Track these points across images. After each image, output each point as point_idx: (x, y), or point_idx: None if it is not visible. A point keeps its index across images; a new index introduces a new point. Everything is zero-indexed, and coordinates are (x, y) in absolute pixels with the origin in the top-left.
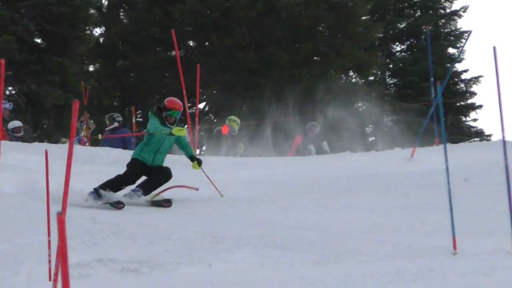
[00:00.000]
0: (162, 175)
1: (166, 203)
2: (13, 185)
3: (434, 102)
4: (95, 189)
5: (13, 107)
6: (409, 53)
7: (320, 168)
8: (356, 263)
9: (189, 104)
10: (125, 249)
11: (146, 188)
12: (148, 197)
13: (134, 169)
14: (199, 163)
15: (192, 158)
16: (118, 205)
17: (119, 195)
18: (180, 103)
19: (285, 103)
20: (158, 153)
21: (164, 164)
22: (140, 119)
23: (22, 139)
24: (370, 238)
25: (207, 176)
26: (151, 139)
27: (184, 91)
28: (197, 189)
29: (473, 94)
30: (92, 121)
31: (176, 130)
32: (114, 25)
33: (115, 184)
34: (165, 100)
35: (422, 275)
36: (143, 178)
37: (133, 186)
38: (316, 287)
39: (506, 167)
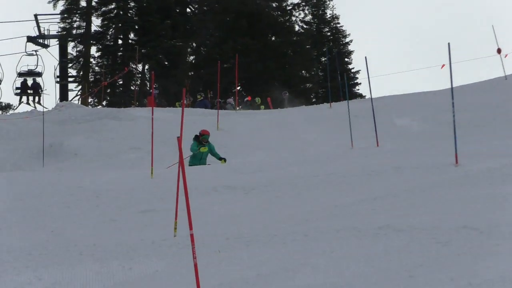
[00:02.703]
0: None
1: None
2: None
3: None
4: None
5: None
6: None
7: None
8: None
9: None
10: None
11: None
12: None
13: None
14: (225, 160)
15: (220, 159)
16: None
17: None
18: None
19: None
20: (201, 161)
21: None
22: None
23: None
24: None
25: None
26: (194, 155)
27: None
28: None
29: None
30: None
31: (203, 149)
32: None
33: None
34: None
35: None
36: None
37: None
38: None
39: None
